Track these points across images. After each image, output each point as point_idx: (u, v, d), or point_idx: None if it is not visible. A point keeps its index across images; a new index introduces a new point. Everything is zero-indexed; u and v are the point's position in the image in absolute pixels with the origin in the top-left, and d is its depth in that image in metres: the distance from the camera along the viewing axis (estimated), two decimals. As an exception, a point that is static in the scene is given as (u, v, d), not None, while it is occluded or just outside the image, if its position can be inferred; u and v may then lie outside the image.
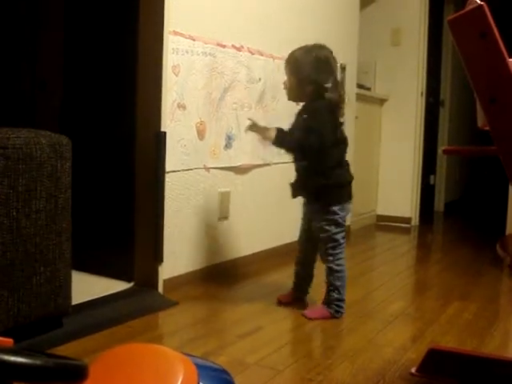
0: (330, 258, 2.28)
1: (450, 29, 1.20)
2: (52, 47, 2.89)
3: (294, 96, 2.34)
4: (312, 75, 2.23)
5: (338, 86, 2.33)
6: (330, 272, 2.28)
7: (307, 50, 2.27)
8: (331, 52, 2.30)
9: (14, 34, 3.03)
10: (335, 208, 2.28)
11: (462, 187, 6.40)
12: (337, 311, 2.28)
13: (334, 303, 2.28)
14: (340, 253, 2.30)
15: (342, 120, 2.36)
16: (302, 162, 2.31)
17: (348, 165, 2.36)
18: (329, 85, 2.24)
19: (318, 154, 2.21)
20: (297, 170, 2.35)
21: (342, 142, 2.35)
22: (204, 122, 2.71)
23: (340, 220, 2.30)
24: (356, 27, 4.18)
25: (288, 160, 3.35)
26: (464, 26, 1.17)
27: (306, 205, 2.40)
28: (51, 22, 2.89)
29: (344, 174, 2.32)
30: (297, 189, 2.35)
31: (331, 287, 2.28)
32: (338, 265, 2.28)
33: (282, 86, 2.34)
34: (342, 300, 2.30)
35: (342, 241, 2.31)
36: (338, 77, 2.40)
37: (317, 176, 2.26)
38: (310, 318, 2.24)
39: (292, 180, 2.37)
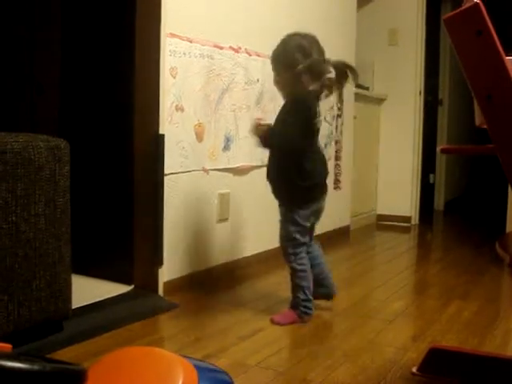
0: (292, 258, 2.23)
1: (446, 27, 1.20)
2: (49, 50, 2.89)
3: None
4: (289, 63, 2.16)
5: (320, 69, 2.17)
6: (293, 272, 2.24)
7: (282, 41, 2.22)
8: (305, 36, 2.20)
9: (11, 37, 3.03)
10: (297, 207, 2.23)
11: (461, 186, 6.40)
12: (304, 312, 2.22)
13: (300, 305, 2.22)
14: (301, 252, 2.24)
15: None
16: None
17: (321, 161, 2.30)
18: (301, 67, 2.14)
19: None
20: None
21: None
22: (202, 124, 2.71)
23: (299, 219, 2.22)
24: (353, 27, 4.18)
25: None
26: (460, 24, 1.17)
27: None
28: (48, 26, 2.89)
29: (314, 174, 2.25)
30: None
31: (296, 288, 2.24)
32: (299, 264, 2.23)
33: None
34: (308, 300, 2.23)
35: (302, 240, 2.24)
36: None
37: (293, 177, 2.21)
38: (278, 323, 2.18)
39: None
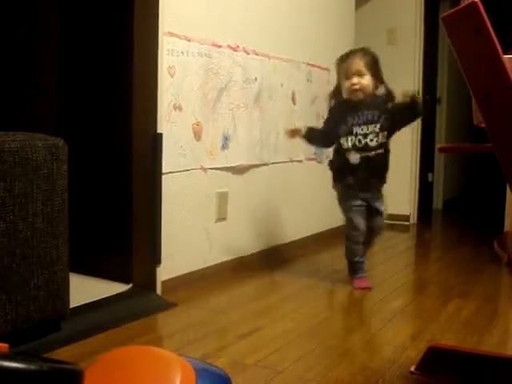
0: None
1: (445, 26, 1.20)
2: (48, 49, 2.88)
3: (368, 93, 2.65)
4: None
5: None
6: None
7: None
8: None
9: (10, 38, 3.03)
10: None
11: (460, 184, 6.40)
12: None
13: None
14: None
15: None
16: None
17: None
18: None
19: None
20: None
21: None
22: (200, 123, 2.70)
23: None
24: (352, 26, 4.18)
25: (285, 160, 3.36)
26: (458, 22, 1.17)
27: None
28: (47, 25, 2.89)
29: None
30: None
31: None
32: None
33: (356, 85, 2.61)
34: None
35: None
36: None
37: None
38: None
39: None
